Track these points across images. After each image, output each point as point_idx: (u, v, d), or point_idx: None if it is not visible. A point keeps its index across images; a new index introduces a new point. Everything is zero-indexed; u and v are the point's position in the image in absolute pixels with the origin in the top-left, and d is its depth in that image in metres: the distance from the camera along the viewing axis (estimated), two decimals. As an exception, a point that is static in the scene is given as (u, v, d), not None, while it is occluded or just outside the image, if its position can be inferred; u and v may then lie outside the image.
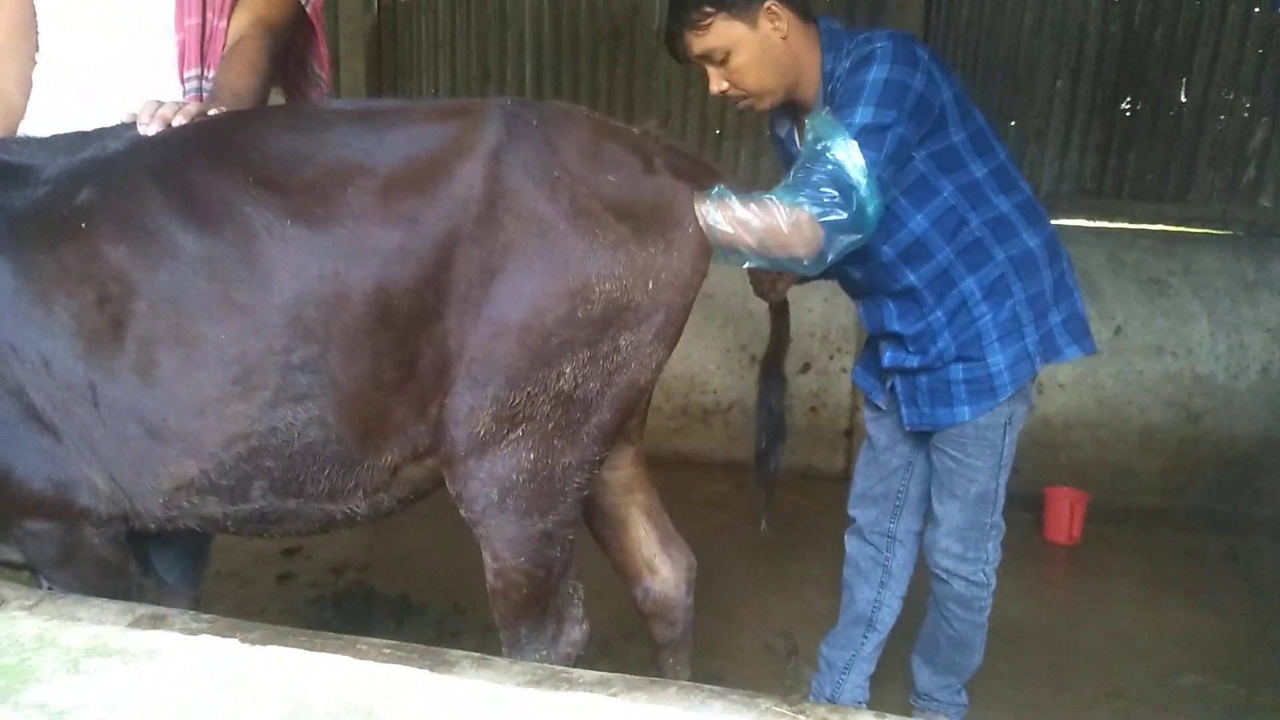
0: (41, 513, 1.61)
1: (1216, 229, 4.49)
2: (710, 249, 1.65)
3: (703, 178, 1.69)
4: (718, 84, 1.97)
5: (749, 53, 1.92)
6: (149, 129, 1.62)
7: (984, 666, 2.38)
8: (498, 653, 2.80)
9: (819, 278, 1.83)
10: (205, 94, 1.97)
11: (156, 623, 1.42)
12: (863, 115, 1.75)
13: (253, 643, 1.36)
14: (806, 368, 4.75)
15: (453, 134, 1.55)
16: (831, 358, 4.71)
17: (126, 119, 1.67)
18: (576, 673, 1.36)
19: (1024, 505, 3.90)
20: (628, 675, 1.36)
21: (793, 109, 2.08)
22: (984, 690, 2.63)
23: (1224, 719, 2.67)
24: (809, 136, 1.70)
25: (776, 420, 2.13)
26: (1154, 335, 4.38)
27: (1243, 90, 4.37)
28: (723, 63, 1.93)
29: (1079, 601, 3.42)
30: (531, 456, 1.59)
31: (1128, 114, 4.51)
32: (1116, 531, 4.04)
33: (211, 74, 1.96)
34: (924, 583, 2.32)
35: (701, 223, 1.62)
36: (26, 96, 1.95)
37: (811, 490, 4.49)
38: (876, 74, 1.79)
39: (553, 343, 1.54)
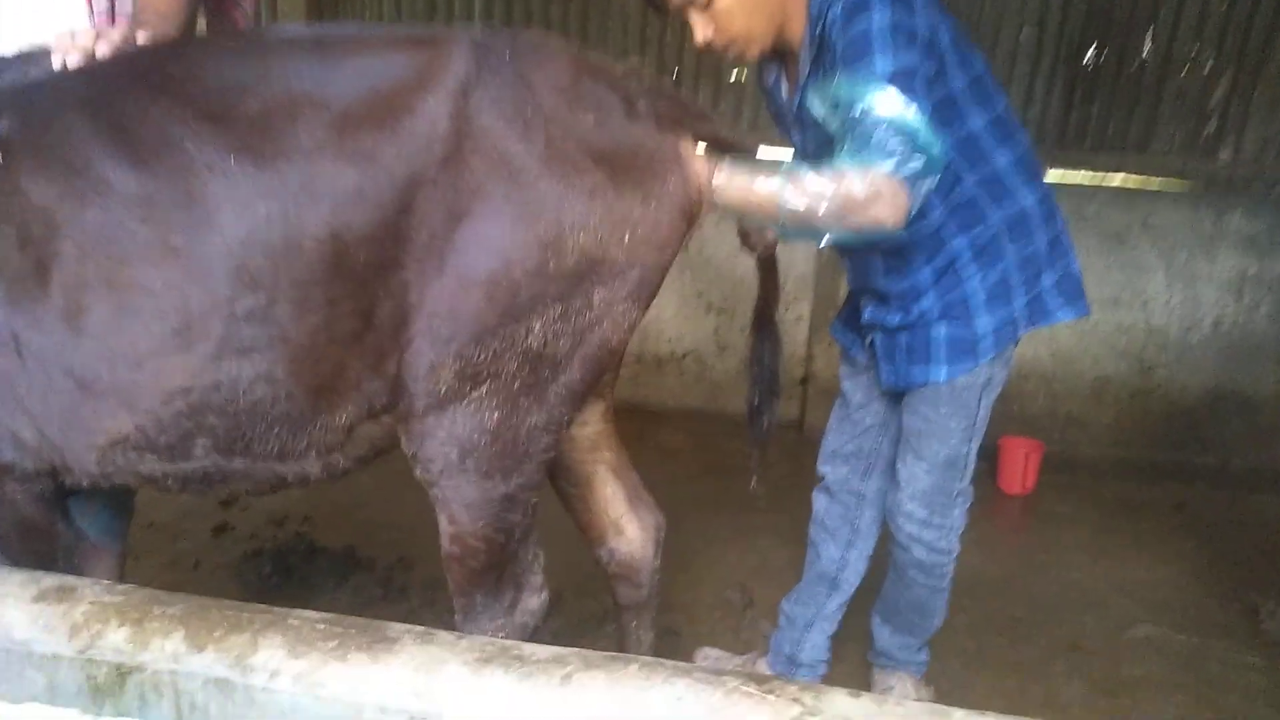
0: None
1: (1176, 182, 4.46)
2: (690, 209, 1.54)
3: (690, 124, 1.57)
4: (702, 32, 1.81)
5: None
6: (70, 59, 1.46)
7: (944, 618, 2.34)
8: (447, 607, 2.70)
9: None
10: (117, 14, 1.78)
11: (64, 595, 1.30)
12: (883, 64, 1.62)
13: (171, 618, 1.25)
14: (764, 315, 4.66)
15: (416, 65, 1.42)
16: (787, 307, 4.62)
17: (34, 47, 1.49)
18: (529, 649, 1.27)
19: (979, 455, 3.90)
20: (585, 651, 1.27)
21: (780, 55, 1.95)
22: (944, 643, 2.60)
23: (1178, 669, 2.68)
24: (835, 111, 1.58)
25: (770, 376, 2.05)
26: (1111, 288, 4.36)
27: (1206, 44, 4.31)
28: (706, 7, 1.78)
29: (1034, 552, 3.42)
30: (495, 416, 1.50)
31: (1091, 66, 4.42)
32: (1068, 481, 4.06)
33: None
34: (888, 542, 2.26)
35: (768, 198, 1.50)
36: None
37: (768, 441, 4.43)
38: (879, 21, 1.65)
39: (522, 296, 1.43)
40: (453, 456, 1.51)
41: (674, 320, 4.76)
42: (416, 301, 1.43)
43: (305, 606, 2.66)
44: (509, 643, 1.28)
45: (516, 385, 1.49)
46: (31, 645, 1.23)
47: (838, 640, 2.44)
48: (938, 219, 1.89)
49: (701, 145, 1.57)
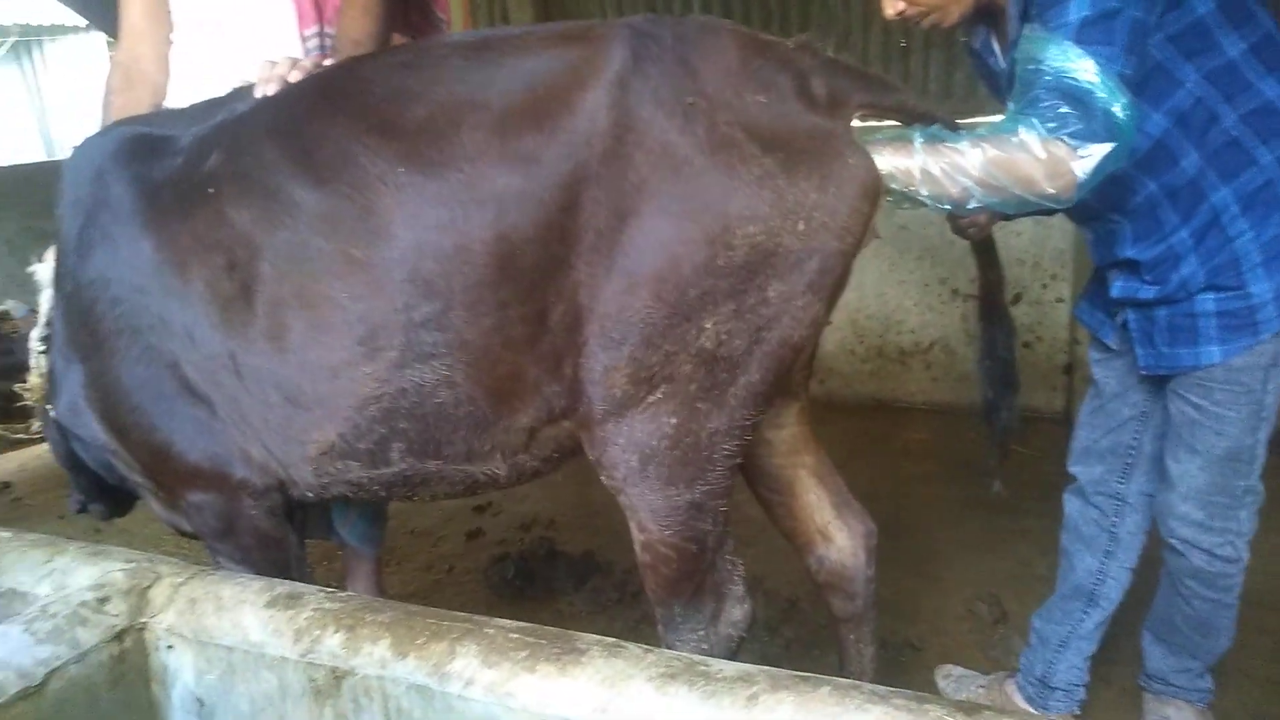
0: (200, 484, 1.65)
1: None
2: (873, 188, 1.45)
3: (871, 94, 1.48)
4: (893, 4, 1.70)
5: None
6: (269, 89, 1.61)
7: (1235, 640, 2.01)
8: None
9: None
10: (327, 51, 1.95)
11: (292, 601, 1.40)
12: (1078, 7, 1.45)
13: (380, 625, 1.32)
14: (1017, 298, 4.29)
15: (572, 61, 1.42)
16: (1045, 286, 4.24)
17: (244, 85, 1.66)
18: (716, 666, 1.21)
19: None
20: (774, 670, 1.20)
21: (986, 13, 1.77)
22: (1236, 668, 2.25)
23: None
24: (1019, 66, 1.48)
25: (1004, 367, 1.91)
26: None
27: None
28: None
29: (1362, 560, 2.88)
30: (673, 421, 1.46)
31: None
32: None
33: (331, 30, 1.93)
34: (1159, 548, 1.97)
35: (907, 163, 1.44)
36: (167, 75, 2.00)
37: (1027, 434, 4.07)
38: None
39: (691, 295, 1.39)
40: (634, 463, 1.48)
41: (916, 310, 4.50)
42: (588, 303, 1.42)
43: (544, 609, 2.80)
44: (697, 658, 1.24)
45: (693, 388, 1.44)
46: (264, 648, 1.35)
47: (1101, 660, 2.17)
48: (1192, 167, 1.64)
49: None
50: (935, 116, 1.53)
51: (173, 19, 1.98)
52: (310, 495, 1.67)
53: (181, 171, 1.55)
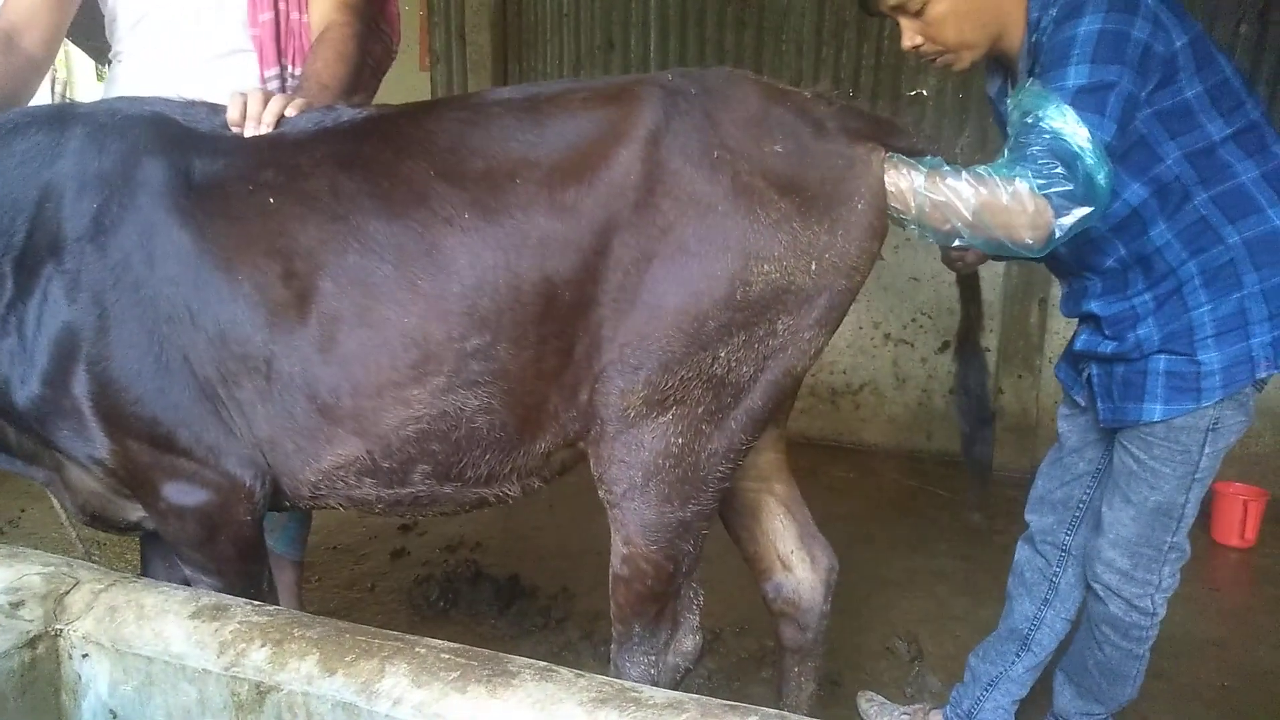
0: (192, 483, 1.60)
1: None
2: (881, 229, 1.56)
3: (885, 138, 1.59)
4: (911, 38, 1.79)
5: (949, 1, 1.73)
6: (248, 130, 1.61)
7: (1140, 686, 2.09)
8: (604, 639, 2.71)
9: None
10: (286, 86, 1.93)
11: (218, 614, 1.38)
12: (1076, 75, 1.57)
13: (308, 640, 1.30)
14: (945, 346, 4.44)
15: (610, 120, 1.53)
16: (973, 336, 4.38)
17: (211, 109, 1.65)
18: (647, 692, 1.23)
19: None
20: (703, 698, 1.22)
21: (1002, 64, 1.88)
22: (1138, 714, 2.35)
23: None
24: (1015, 113, 1.57)
25: (978, 402, 2.03)
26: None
27: None
28: (918, 14, 1.76)
29: (1252, 613, 3.04)
30: (679, 441, 1.56)
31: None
32: (1300, 534, 3.59)
33: (295, 71, 1.93)
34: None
35: (906, 190, 1.53)
36: (49, 59, 1.94)
37: (949, 478, 4.20)
38: (1089, 25, 1.59)
39: (709, 326, 1.50)
40: (636, 479, 1.56)
41: (848, 352, 4.62)
42: (610, 335, 1.52)
43: (468, 632, 2.78)
44: (627, 684, 1.25)
45: (700, 411, 1.54)
46: (186, 659, 1.32)
47: (1031, 705, 2.22)
48: (1160, 238, 1.74)
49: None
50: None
51: (119, 34, 1.95)
52: (286, 505, 1.68)
53: (234, 173, 1.57)
